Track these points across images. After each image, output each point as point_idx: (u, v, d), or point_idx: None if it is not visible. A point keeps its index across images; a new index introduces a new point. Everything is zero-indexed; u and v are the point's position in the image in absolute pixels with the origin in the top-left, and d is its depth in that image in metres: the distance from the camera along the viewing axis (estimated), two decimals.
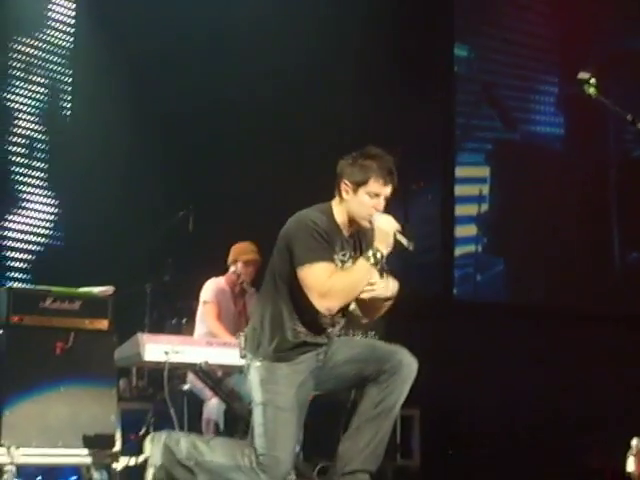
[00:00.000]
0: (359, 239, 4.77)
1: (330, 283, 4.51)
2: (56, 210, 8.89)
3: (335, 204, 4.73)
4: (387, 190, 4.67)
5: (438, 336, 9.47)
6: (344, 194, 4.68)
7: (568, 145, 11.29)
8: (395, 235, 4.57)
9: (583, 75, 4.95)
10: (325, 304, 4.52)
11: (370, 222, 4.63)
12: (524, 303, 10.69)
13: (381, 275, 4.65)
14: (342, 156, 4.76)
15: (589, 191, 10.87)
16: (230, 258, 7.47)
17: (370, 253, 4.54)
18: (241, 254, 7.44)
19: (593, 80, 4.92)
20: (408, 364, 4.67)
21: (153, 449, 4.74)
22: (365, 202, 4.63)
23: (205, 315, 7.28)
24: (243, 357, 4.76)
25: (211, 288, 7.37)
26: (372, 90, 9.08)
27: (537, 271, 10.80)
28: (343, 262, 4.70)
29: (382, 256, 4.54)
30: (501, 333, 9.93)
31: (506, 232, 10.81)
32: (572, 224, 10.91)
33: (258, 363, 4.63)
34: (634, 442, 5.07)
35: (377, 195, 4.64)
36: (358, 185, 4.63)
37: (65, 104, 9.05)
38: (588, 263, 10.72)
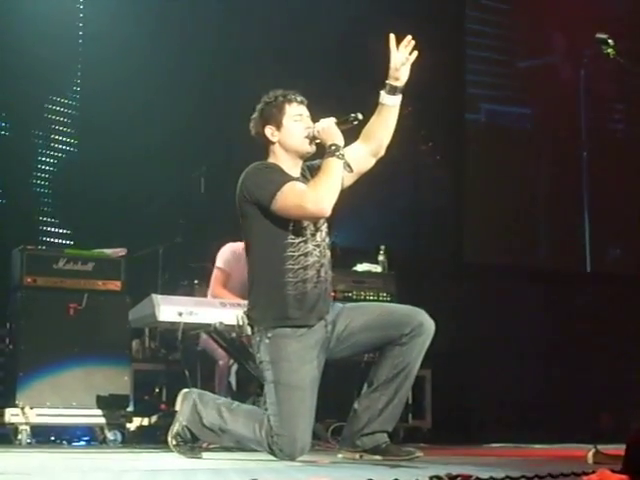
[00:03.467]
0: (309, 176, 4.73)
1: (311, 189, 4.52)
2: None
3: (270, 158, 4.74)
4: (304, 108, 4.74)
5: (448, 297, 9.48)
6: (272, 138, 4.69)
7: (536, 124, 11.04)
8: (337, 124, 4.63)
9: (601, 35, 4.89)
10: (316, 206, 4.47)
11: (310, 141, 4.67)
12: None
13: (348, 167, 4.68)
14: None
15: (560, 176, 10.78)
16: None
17: (328, 150, 4.58)
18: None
19: (611, 40, 4.87)
20: (428, 326, 4.64)
21: (183, 406, 4.72)
22: (294, 128, 4.68)
23: (213, 280, 7.26)
24: (247, 336, 4.72)
25: (224, 254, 7.29)
26: None
27: None
28: None
29: (338, 147, 4.57)
30: (511, 294, 9.97)
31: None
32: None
33: (266, 340, 4.57)
34: None
35: (300, 115, 4.71)
36: (279, 120, 4.68)
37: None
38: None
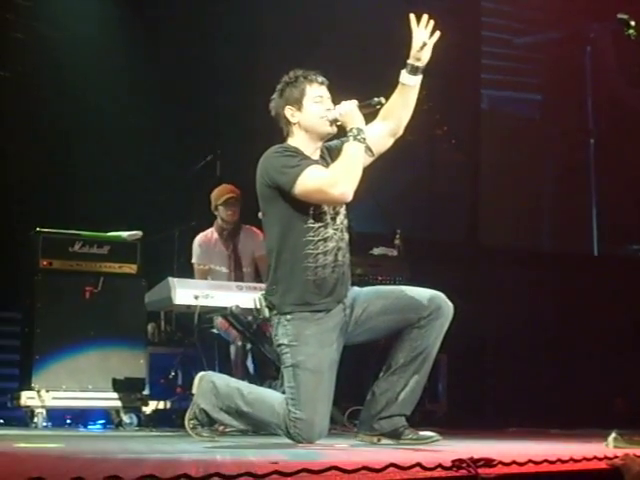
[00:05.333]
0: (329, 158, 4.72)
1: (331, 172, 4.51)
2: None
3: (289, 140, 4.72)
4: (325, 89, 4.72)
5: (463, 280, 9.47)
6: (292, 119, 4.67)
7: (546, 108, 11.02)
8: (359, 107, 4.62)
9: (622, 15, 4.85)
10: (338, 190, 4.45)
11: (331, 123, 4.64)
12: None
13: (370, 151, 4.67)
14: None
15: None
16: (211, 206, 7.40)
17: (350, 134, 4.56)
18: (218, 198, 7.33)
19: (633, 22, 4.82)
20: (446, 309, 4.63)
21: (199, 389, 4.70)
22: (315, 110, 4.65)
23: (195, 276, 7.28)
24: (265, 318, 4.70)
25: (195, 250, 7.34)
26: None
27: None
28: None
29: (360, 130, 4.55)
30: (525, 277, 9.96)
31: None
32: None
33: (285, 323, 4.55)
34: None
35: (321, 97, 4.68)
36: (299, 101, 4.66)
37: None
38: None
